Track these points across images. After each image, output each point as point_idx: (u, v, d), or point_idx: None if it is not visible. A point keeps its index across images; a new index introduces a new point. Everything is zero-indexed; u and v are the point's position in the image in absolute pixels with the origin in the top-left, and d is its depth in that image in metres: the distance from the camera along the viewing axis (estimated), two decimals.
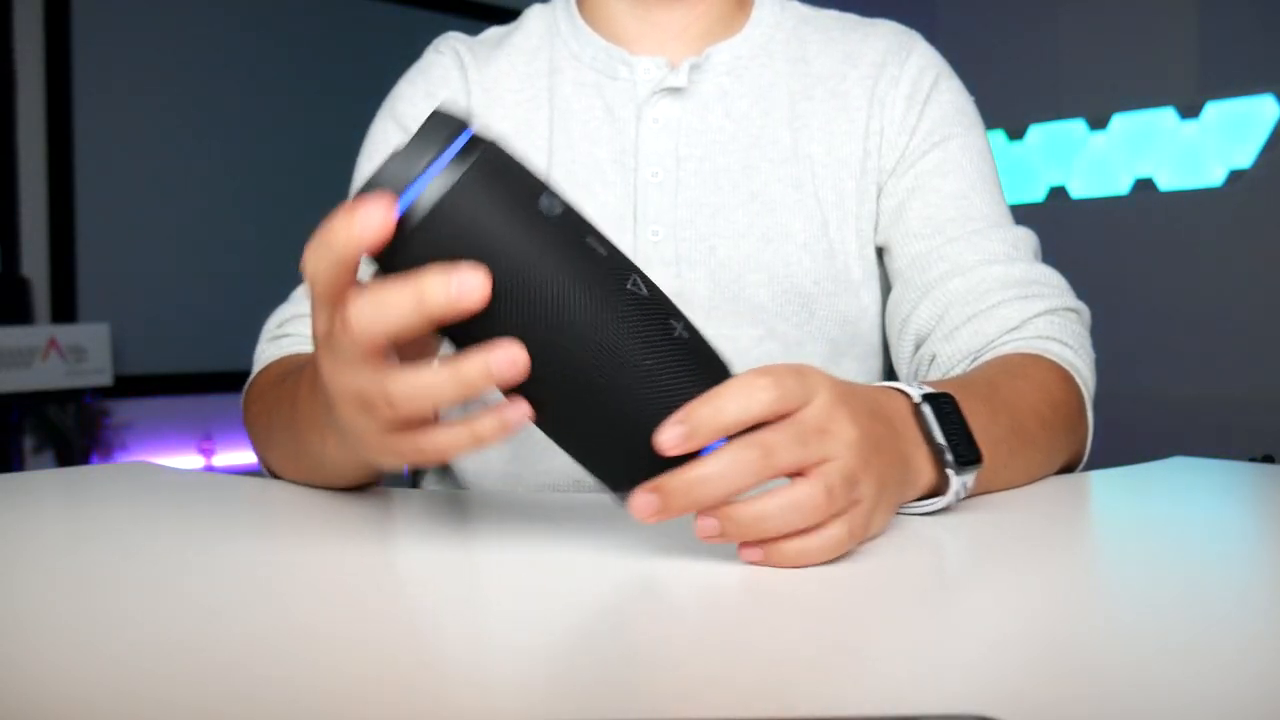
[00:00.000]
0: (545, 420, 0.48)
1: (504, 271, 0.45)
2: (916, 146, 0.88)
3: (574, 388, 0.46)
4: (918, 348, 0.87)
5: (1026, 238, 0.87)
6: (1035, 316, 0.81)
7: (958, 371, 0.82)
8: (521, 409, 0.47)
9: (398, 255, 0.45)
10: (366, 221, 0.44)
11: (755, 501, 0.47)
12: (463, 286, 0.44)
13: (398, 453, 0.50)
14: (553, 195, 0.46)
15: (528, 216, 0.45)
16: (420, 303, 0.44)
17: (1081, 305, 0.85)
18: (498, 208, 0.45)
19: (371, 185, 0.45)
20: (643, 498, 0.46)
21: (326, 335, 0.48)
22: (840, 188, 0.88)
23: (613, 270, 0.46)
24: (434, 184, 0.45)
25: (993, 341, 0.81)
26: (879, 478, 0.50)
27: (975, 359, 0.82)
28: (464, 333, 0.46)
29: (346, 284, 0.47)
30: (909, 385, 0.59)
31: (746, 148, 0.88)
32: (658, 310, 0.47)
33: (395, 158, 0.45)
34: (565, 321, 0.45)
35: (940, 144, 0.88)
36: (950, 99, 0.91)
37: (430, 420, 0.49)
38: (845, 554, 0.50)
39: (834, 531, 0.48)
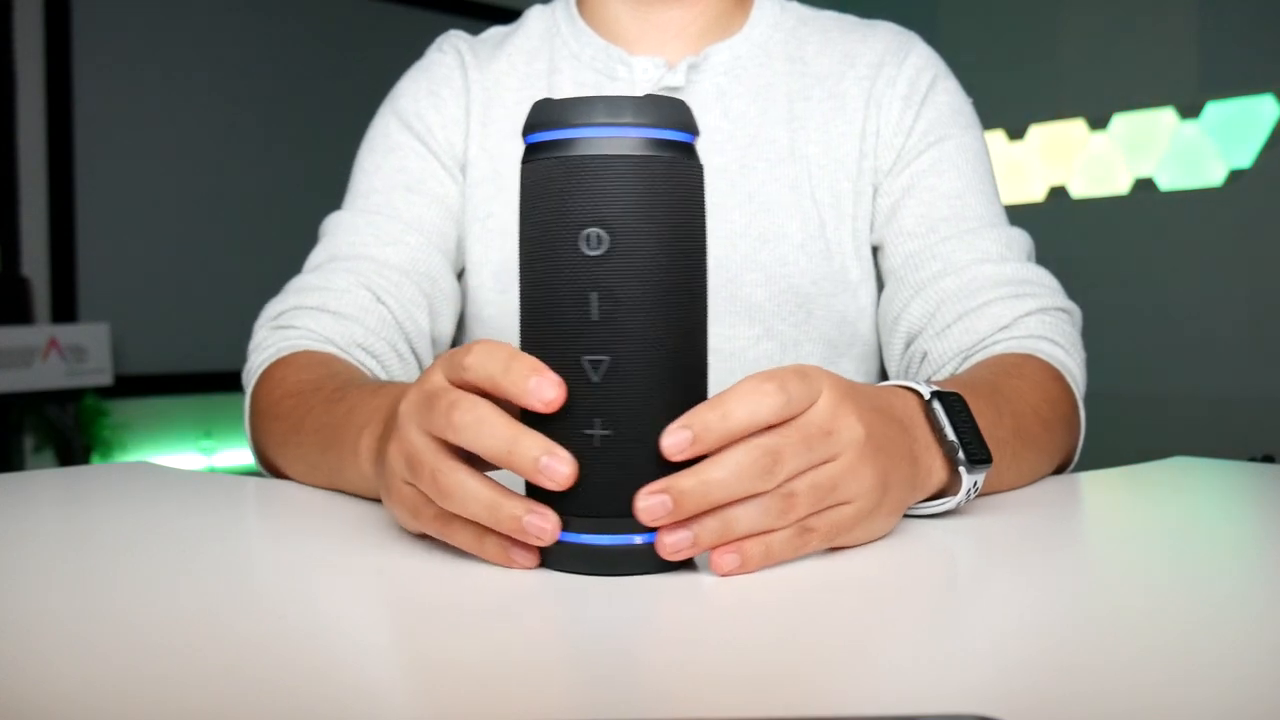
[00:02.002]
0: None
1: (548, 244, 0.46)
2: (913, 146, 0.88)
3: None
4: (908, 345, 0.87)
5: (1020, 238, 0.87)
6: (1026, 315, 0.81)
7: (948, 369, 0.82)
8: (530, 560, 0.48)
9: (531, 164, 0.46)
10: (541, 390, 0.45)
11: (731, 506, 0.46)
12: (551, 469, 0.45)
13: (411, 514, 0.51)
14: (602, 237, 0.45)
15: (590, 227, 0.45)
16: (509, 457, 0.45)
17: (1073, 306, 0.85)
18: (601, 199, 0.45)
19: (582, 103, 0.45)
20: (653, 499, 0.45)
21: (430, 396, 0.48)
22: (837, 188, 0.88)
23: (580, 340, 0.45)
24: (623, 140, 0.45)
25: (984, 339, 0.81)
26: (881, 477, 0.50)
27: (967, 358, 0.82)
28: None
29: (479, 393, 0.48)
30: (918, 383, 0.58)
31: (744, 148, 0.88)
32: (583, 408, 0.46)
33: (622, 102, 0.46)
34: (531, 320, 0.47)
35: (936, 144, 0.88)
36: (947, 100, 0.91)
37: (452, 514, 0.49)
38: (842, 553, 0.50)
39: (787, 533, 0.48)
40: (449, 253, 0.90)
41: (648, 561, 0.47)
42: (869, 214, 0.89)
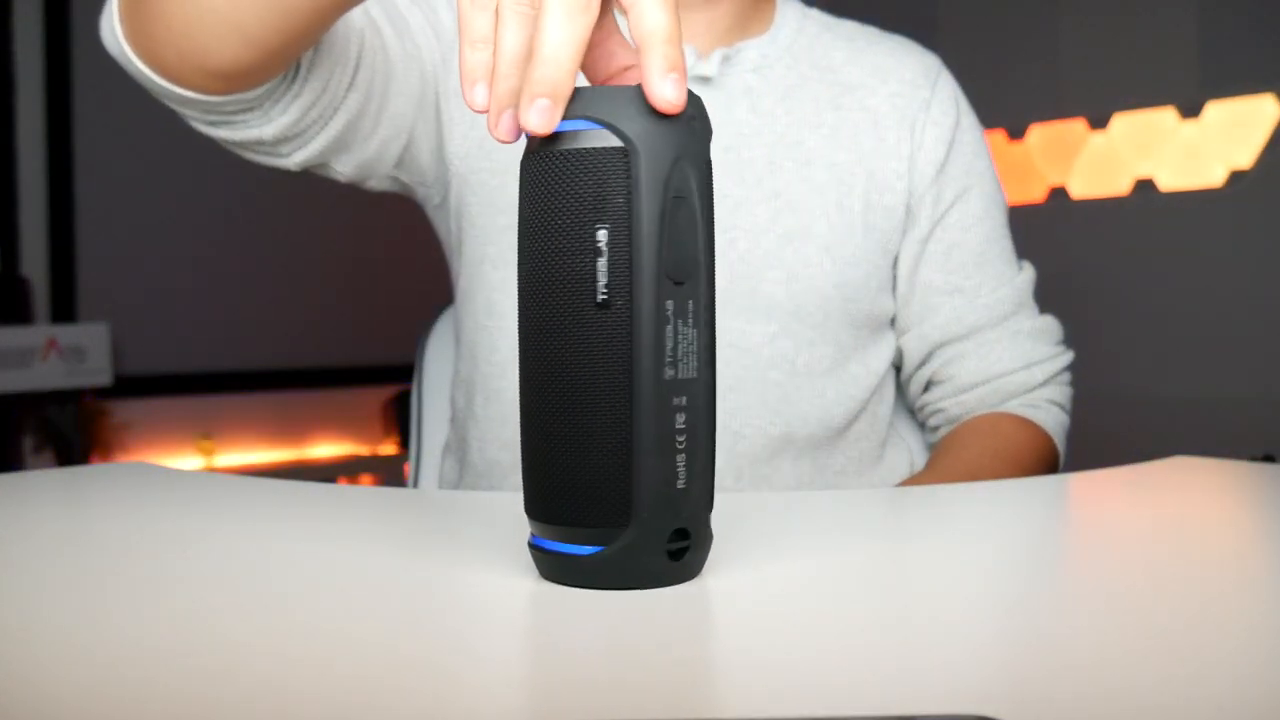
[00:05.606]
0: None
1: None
2: (944, 182, 0.92)
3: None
4: (925, 390, 0.96)
5: (1030, 279, 0.97)
6: (1045, 383, 0.94)
7: (959, 413, 0.95)
8: (507, 126, 0.45)
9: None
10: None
11: None
12: None
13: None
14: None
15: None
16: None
17: (1071, 355, 0.97)
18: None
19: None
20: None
21: None
22: (868, 199, 0.90)
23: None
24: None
25: (1004, 402, 0.93)
26: None
27: (983, 408, 0.94)
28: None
29: None
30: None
31: (771, 145, 0.88)
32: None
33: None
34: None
35: (963, 194, 0.93)
36: (971, 137, 0.95)
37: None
38: (841, 555, 0.50)
39: None
40: (425, 73, 0.86)
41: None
42: (893, 230, 0.91)
